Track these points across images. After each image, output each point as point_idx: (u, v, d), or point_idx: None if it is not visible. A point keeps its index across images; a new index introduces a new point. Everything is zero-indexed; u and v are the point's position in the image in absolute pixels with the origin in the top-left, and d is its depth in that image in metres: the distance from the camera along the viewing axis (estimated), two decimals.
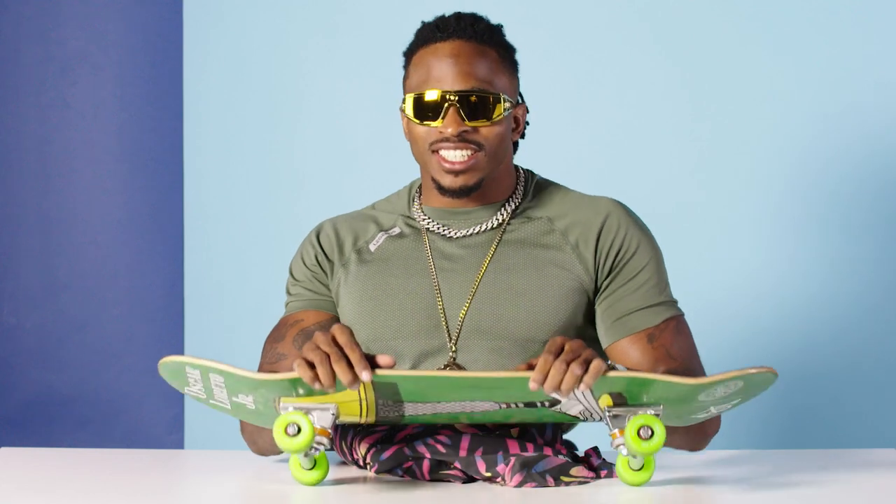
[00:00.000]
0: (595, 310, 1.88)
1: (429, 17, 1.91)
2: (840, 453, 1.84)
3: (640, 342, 1.83)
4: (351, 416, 1.61)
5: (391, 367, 1.54)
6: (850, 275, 2.69)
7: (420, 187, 1.96)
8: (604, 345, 1.86)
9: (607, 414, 1.56)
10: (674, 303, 1.88)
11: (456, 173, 1.84)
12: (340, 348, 1.54)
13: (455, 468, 1.63)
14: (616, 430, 1.55)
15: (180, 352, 2.99)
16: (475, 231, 1.90)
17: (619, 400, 1.57)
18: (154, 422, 3.06)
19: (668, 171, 2.78)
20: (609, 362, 1.56)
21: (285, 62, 3.00)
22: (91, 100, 3.06)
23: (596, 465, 1.66)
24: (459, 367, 1.83)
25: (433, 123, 1.83)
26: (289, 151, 3.00)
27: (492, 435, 1.65)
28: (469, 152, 1.83)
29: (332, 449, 1.78)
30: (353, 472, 1.70)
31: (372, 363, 1.54)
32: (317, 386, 1.53)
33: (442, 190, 1.86)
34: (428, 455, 1.63)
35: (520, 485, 1.60)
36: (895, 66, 2.68)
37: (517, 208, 1.92)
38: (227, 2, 3.03)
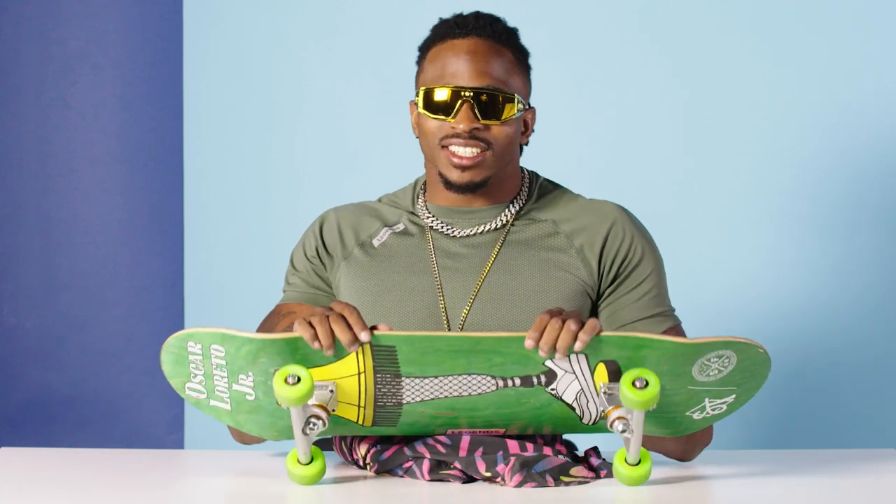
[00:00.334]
0: (597, 314, 1.88)
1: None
2: (840, 453, 1.84)
3: None
4: (348, 404, 1.61)
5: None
6: (850, 275, 2.70)
7: (425, 184, 1.96)
8: None
9: (603, 390, 1.57)
10: (672, 311, 1.89)
11: (464, 168, 1.84)
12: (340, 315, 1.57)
13: (455, 468, 1.63)
14: (611, 407, 1.56)
15: None
16: (479, 231, 1.90)
17: (614, 374, 1.57)
18: (154, 422, 3.06)
19: (669, 171, 2.78)
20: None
21: (285, 62, 3.00)
22: (91, 100, 3.06)
23: (595, 465, 1.66)
24: None
25: (446, 119, 1.83)
26: (288, 151, 3.00)
27: (491, 434, 1.65)
28: (478, 150, 1.84)
29: (331, 448, 1.78)
30: (352, 472, 1.70)
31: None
32: (316, 345, 1.54)
33: (448, 185, 1.87)
34: (428, 455, 1.63)
35: (520, 485, 1.60)
36: None
37: (521, 210, 1.92)
38: (227, 2, 3.03)
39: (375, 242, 1.93)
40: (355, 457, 1.72)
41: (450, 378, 1.58)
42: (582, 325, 1.55)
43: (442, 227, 1.91)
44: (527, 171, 1.96)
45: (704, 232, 2.75)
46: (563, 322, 1.55)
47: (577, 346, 1.54)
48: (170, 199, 3.07)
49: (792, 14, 2.72)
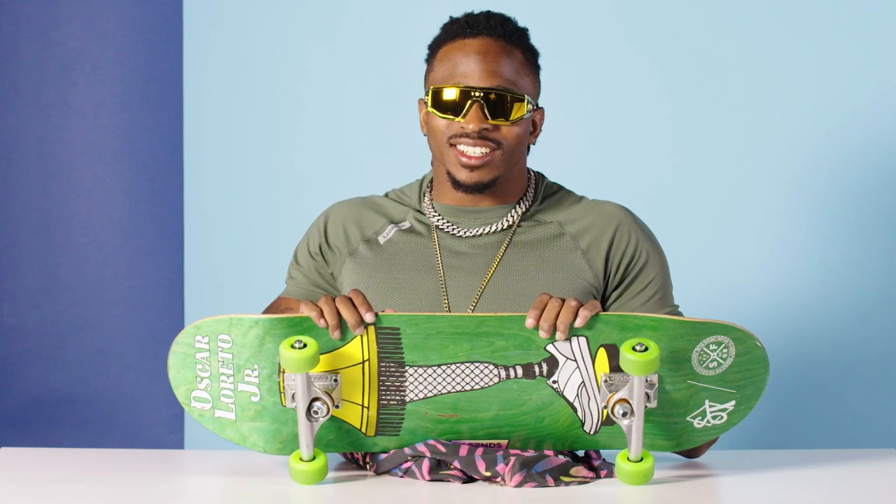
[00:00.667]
0: None
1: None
2: (840, 453, 1.85)
3: None
4: (352, 402, 1.62)
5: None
6: (850, 275, 2.70)
7: (431, 182, 1.96)
8: None
9: (604, 380, 1.57)
10: (676, 308, 1.90)
11: (472, 168, 1.84)
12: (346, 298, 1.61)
13: (455, 468, 1.63)
14: (610, 394, 1.57)
15: None
16: (485, 231, 1.90)
17: (614, 358, 1.58)
18: (154, 422, 3.06)
19: (670, 171, 2.78)
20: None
21: (285, 62, 3.00)
22: (91, 100, 3.06)
23: (596, 465, 1.66)
24: None
25: (455, 118, 1.83)
26: (289, 151, 3.00)
27: (493, 447, 1.65)
28: (487, 150, 1.84)
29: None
30: (353, 472, 1.70)
31: None
32: (322, 323, 1.57)
33: (456, 185, 1.87)
34: (428, 455, 1.63)
35: (520, 485, 1.60)
36: None
37: (527, 211, 1.92)
38: (227, 2, 3.03)
39: (381, 239, 1.93)
40: (355, 456, 1.72)
41: (452, 367, 1.59)
42: (580, 304, 1.58)
43: (448, 227, 1.91)
44: (533, 172, 1.96)
45: (705, 232, 2.75)
46: (563, 301, 1.57)
47: (578, 321, 1.56)
48: (170, 199, 3.07)
49: (800, 12, 2.72)
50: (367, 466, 1.69)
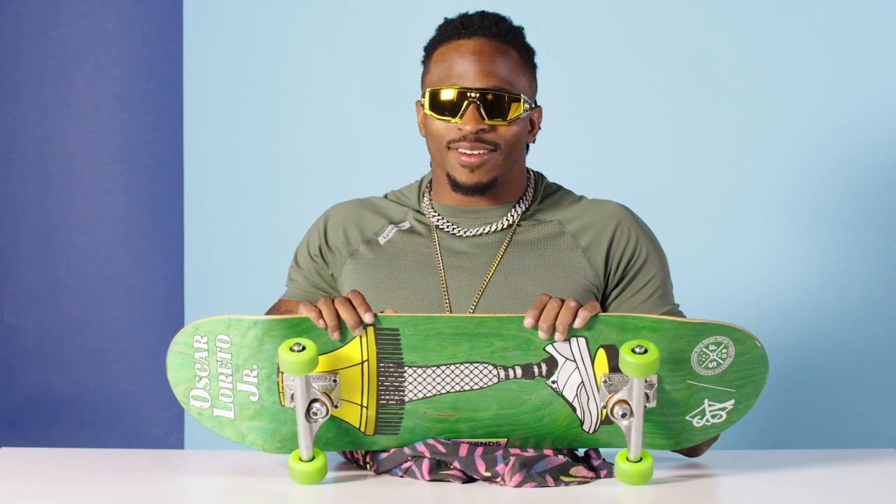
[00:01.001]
0: None
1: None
2: (840, 453, 1.85)
3: None
4: (351, 402, 1.62)
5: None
6: (851, 275, 2.69)
7: (430, 182, 1.96)
8: None
9: (603, 380, 1.57)
10: (676, 307, 1.90)
11: (472, 169, 1.84)
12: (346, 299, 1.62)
13: (455, 468, 1.63)
14: (609, 395, 1.57)
15: None
16: (485, 231, 1.90)
17: (613, 359, 1.58)
18: (154, 422, 3.06)
19: (671, 171, 2.78)
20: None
21: (285, 62, 3.00)
22: (91, 100, 3.06)
23: (596, 465, 1.66)
24: None
25: (452, 120, 1.83)
26: (289, 151, 3.00)
27: (492, 446, 1.65)
28: (485, 150, 1.84)
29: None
30: (353, 471, 1.70)
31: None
32: (321, 324, 1.57)
33: (456, 186, 1.87)
34: (428, 455, 1.63)
35: (520, 485, 1.60)
36: None
37: (527, 210, 1.92)
38: (227, 2, 3.03)
39: (381, 240, 1.93)
40: (355, 456, 1.72)
41: (451, 367, 1.59)
42: (580, 304, 1.58)
43: (448, 227, 1.91)
44: (533, 171, 1.96)
45: (705, 232, 2.75)
46: (563, 302, 1.57)
47: (578, 322, 1.56)
48: (170, 199, 3.07)
49: (800, 12, 2.72)
50: (367, 466, 1.69)
